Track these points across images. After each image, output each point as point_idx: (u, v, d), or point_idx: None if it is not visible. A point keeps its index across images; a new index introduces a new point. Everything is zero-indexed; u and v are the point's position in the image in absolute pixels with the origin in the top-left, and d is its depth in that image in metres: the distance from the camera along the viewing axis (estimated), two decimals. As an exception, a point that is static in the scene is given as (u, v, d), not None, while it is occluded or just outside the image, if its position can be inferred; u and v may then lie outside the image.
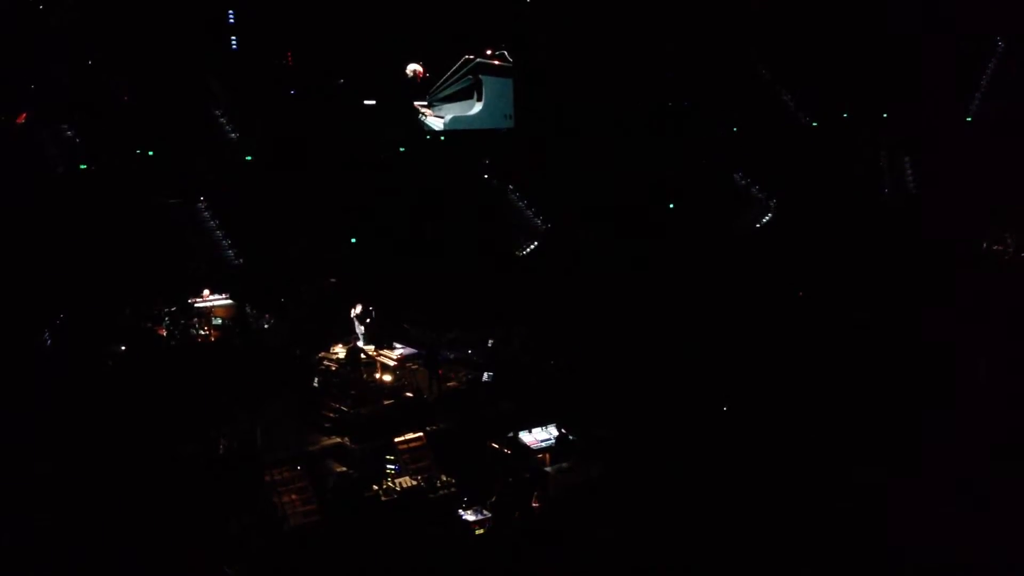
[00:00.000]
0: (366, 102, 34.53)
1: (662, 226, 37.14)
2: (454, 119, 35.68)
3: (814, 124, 41.53)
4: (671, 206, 38.66)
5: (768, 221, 39.59)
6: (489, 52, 35.72)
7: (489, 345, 28.52)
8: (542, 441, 21.69)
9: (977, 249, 37.06)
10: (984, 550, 16.88)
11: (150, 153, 31.48)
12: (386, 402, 22.77)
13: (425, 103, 34.82)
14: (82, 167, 30.16)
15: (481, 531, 19.00)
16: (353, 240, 34.16)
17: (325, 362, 24.00)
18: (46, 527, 17.64)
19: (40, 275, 26.38)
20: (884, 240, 36.31)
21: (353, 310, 24.11)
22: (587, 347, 28.84)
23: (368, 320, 24.08)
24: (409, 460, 21.01)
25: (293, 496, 19.64)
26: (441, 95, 35.36)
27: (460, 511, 19.39)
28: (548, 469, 20.96)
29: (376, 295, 27.47)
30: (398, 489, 19.80)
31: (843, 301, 31.73)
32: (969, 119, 43.03)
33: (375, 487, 19.89)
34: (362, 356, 23.90)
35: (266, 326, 27.45)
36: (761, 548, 17.26)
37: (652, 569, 17.18)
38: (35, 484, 19.01)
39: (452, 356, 26.55)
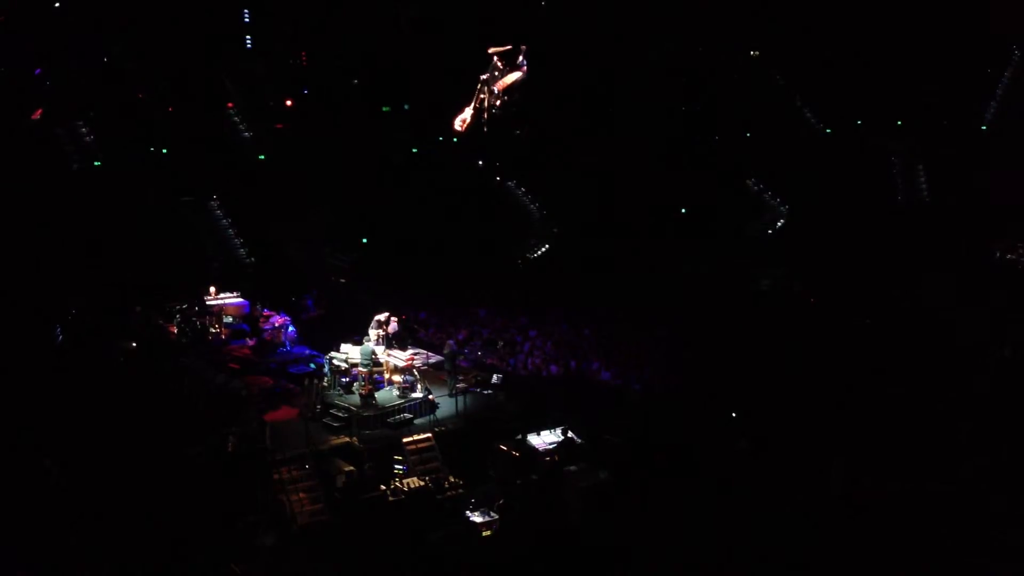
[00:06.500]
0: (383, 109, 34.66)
1: (674, 230, 37.15)
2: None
3: (827, 130, 41.43)
4: (683, 211, 38.65)
5: (781, 227, 39.53)
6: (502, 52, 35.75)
7: (499, 347, 28.58)
8: (550, 444, 21.67)
9: (990, 257, 36.89)
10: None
11: (164, 151, 31.62)
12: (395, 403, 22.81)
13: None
14: (96, 164, 30.32)
15: (488, 533, 19.01)
16: (364, 240, 34.26)
17: (335, 361, 24.03)
18: (53, 522, 17.70)
19: (52, 270, 26.52)
20: (897, 247, 36.20)
21: (378, 316, 24.07)
22: (598, 350, 28.87)
23: (388, 323, 24.05)
24: (417, 461, 21.03)
25: (301, 495, 19.67)
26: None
27: (467, 512, 19.40)
28: (571, 468, 20.89)
29: (387, 296, 27.55)
30: (405, 489, 19.82)
31: (854, 307, 31.64)
32: (984, 127, 42.84)
33: (383, 487, 19.91)
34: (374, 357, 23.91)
35: (276, 325, 27.46)
36: (769, 553, 17.23)
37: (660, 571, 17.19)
38: (43, 480, 19.10)
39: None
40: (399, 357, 23.68)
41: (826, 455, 20.86)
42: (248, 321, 27.73)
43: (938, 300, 31.35)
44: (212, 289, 28.11)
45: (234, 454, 20.37)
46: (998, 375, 25.45)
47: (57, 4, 30.74)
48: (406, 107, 35.34)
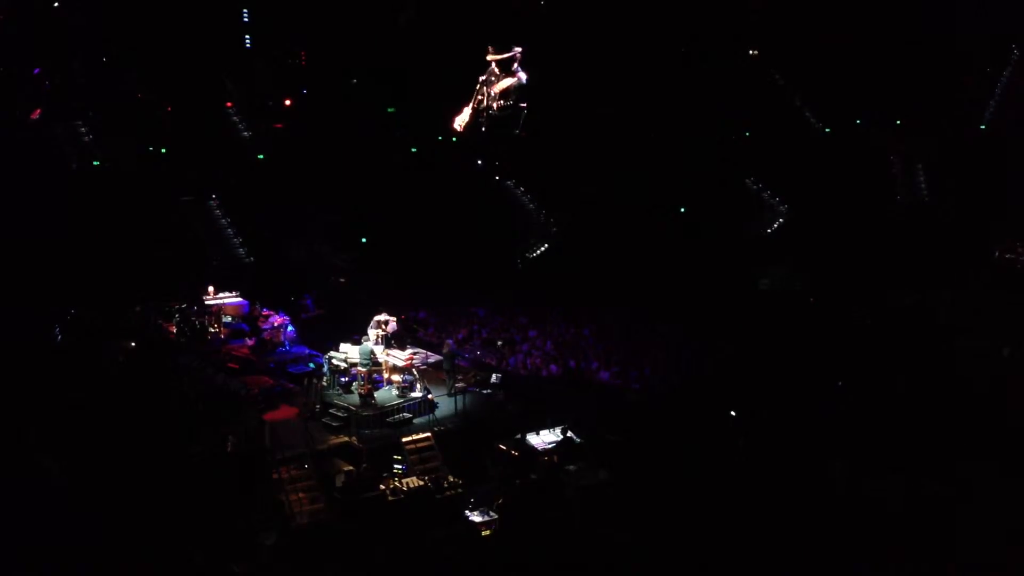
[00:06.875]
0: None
1: (673, 229, 37.16)
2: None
3: (827, 130, 41.45)
4: (682, 210, 38.67)
5: (780, 226, 39.54)
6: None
7: (498, 346, 28.57)
8: (549, 444, 21.67)
9: (988, 257, 36.90)
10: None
11: (163, 151, 31.61)
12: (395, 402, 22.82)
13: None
14: (95, 164, 30.31)
15: (488, 532, 19.00)
16: (364, 240, 34.25)
17: (334, 361, 24.03)
18: (53, 521, 17.70)
19: (51, 270, 26.50)
20: (896, 247, 36.23)
21: (377, 316, 24.10)
22: (597, 350, 28.85)
23: (387, 323, 24.06)
24: (417, 460, 21.02)
25: (301, 494, 19.66)
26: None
27: (467, 512, 19.39)
28: (571, 468, 20.90)
29: (386, 296, 27.54)
30: (405, 489, 19.81)
31: (854, 307, 31.65)
32: (983, 127, 42.87)
33: (382, 486, 19.90)
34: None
35: (276, 324, 27.43)
36: (769, 552, 17.22)
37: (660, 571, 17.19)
38: (42, 480, 19.10)
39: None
40: (398, 357, 23.68)
41: (826, 455, 20.87)
42: (247, 321, 27.71)
43: (938, 300, 31.41)
44: (211, 289, 28.06)
45: (233, 454, 20.36)
46: (998, 375, 25.44)
47: (56, 4, 30.74)
48: (407, 107, 35.34)
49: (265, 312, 28.00)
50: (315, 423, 21.98)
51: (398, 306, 27.05)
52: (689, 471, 20.02)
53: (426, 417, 22.68)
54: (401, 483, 20.03)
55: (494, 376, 24.70)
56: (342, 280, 33.08)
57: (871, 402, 23.65)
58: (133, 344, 25.52)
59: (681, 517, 18.33)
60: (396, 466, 20.79)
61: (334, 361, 23.98)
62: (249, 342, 26.82)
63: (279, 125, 34.60)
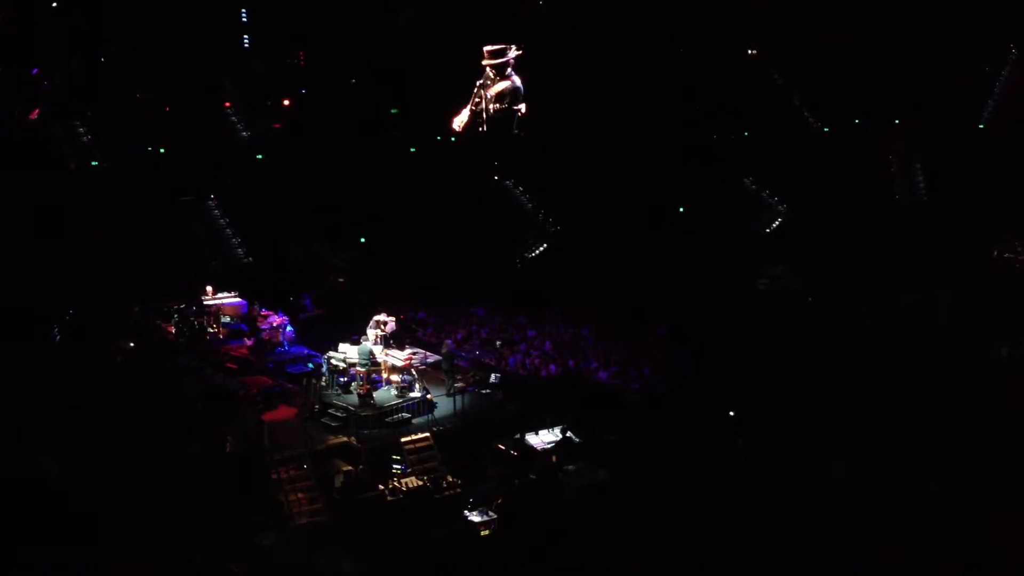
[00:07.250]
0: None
1: (672, 229, 37.15)
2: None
3: (825, 129, 41.45)
4: (681, 209, 38.65)
5: (779, 226, 39.54)
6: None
7: (497, 346, 28.56)
8: (548, 444, 21.66)
9: (988, 256, 36.88)
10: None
11: (161, 151, 31.59)
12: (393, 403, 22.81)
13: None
14: (94, 164, 30.29)
15: (487, 532, 19.00)
16: (363, 240, 34.23)
17: (333, 361, 24.02)
18: (53, 521, 17.69)
19: (50, 270, 26.48)
20: (895, 246, 36.23)
21: (376, 316, 24.11)
22: (596, 350, 28.84)
23: (386, 324, 24.08)
24: (416, 460, 21.01)
25: (299, 495, 19.66)
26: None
27: (466, 512, 19.38)
28: (570, 467, 20.91)
29: (385, 296, 27.54)
30: (404, 489, 19.80)
31: (853, 306, 31.64)
32: (981, 126, 42.88)
33: (381, 487, 19.89)
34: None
35: (274, 324, 27.42)
36: (768, 552, 17.20)
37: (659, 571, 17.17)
38: (42, 480, 19.09)
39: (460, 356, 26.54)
40: (397, 357, 23.67)
41: (826, 455, 20.86)
42: (246, 321, 27.69)
43: (938, 300, 31.40)
44: (209, 289, 28.04)
45: (232, 454, 20.34)
46: (998, 375, 25.43)
47: (55, 4, 30.73)
48: (407, 108, 35.33)
49: (264, 312, 27.97)
50: (314, 423, 21.98)
51: (397, 306, 27.03)
52: (688, 471, 20.01)
53: (425, 417, 22.68)
54: (400, 483, 20.03)
55: (493, 376, 24.70)
56: (341, 280, 33.07)
57: (871, 402, 23.62)
58: (132, 344, 25.51)
59: (681, 517, 18.31)
60: (395, 466, 20.79)
61: (333, 361, 23.96)
62: (248, 342, 26.80)
63: (278, 125, 34.60)
